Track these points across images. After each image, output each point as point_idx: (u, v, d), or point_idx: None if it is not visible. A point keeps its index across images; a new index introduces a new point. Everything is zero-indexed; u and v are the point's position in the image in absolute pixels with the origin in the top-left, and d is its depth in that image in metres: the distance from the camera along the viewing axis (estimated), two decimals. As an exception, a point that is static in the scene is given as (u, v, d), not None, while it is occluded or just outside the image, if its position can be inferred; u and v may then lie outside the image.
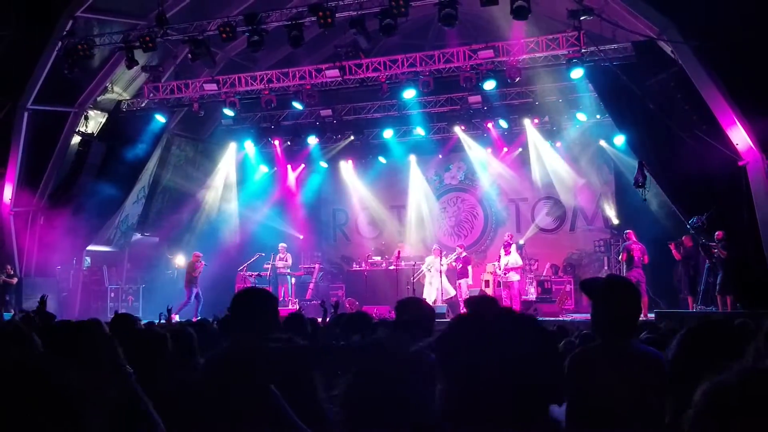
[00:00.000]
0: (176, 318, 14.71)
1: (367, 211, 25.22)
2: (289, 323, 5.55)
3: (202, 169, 23.25)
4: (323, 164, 24.67)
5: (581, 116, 20.46)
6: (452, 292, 19.51)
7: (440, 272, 19.54)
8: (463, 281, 19.38)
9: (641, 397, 3.37)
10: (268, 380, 2.39)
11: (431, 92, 18.94)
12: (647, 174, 15.42)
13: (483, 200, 23.90)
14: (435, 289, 19.45)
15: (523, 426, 1.75)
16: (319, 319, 8.50)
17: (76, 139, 19.80)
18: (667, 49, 15.31)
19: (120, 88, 20.25)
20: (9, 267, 18.49)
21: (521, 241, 21.09)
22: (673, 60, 15.26)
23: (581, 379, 3.55)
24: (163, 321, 10.31)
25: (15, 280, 18.47)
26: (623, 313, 3.69)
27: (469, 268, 19.68)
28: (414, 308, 4.92)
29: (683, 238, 16.37)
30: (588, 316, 4.16)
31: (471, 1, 14.83)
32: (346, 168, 24.77)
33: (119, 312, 7.84)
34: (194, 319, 13.50)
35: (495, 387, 1.76)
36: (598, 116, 20.17)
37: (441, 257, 19.80)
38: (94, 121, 20.06)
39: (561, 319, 16.44)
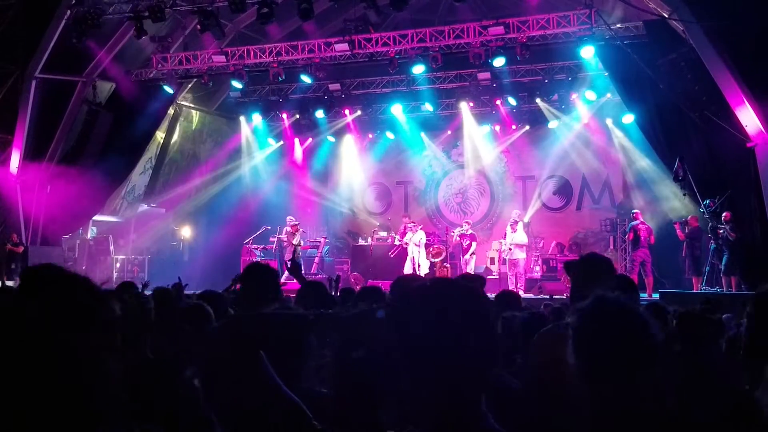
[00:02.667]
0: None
1: (374, 186, 25.22)
2: (308, 291, 5.55)
3: (210, 140, 23.22)
4: (331, 138, 24.63)
5: (590, 95, 20.36)
6: (426, 270, 19.55)
7: (418, 247, 19.78)
8: (469, 258, 19.42)
9: None
10: (261, 346, 2.42)
11: (440, 68, 18.81)
12: (686, 168, 15.23)
13: (490, 178, 23.86)
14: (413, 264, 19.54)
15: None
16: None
17: (83, 109, 19.76)
18: (679, 28, 15.20)
19: (129, 58, 20.18)
20: (15, 235, 18.54)
21: (526, 219, 21.09)
22: (684, 40, 15.15)
23: (544, 354, 3.60)
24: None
25: (21, 249, 18.51)
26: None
27: (473, 244, 19.68)
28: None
29: (689, 218, 16.33)
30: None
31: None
32: (354, 143, 24.73)
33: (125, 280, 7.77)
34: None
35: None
36: (608, 95, 20.10)
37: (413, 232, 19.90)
38: (102, 91, 20.00)
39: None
